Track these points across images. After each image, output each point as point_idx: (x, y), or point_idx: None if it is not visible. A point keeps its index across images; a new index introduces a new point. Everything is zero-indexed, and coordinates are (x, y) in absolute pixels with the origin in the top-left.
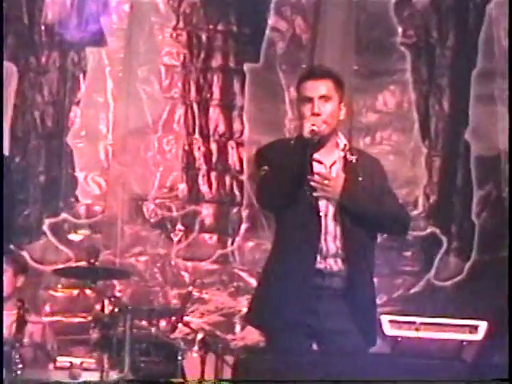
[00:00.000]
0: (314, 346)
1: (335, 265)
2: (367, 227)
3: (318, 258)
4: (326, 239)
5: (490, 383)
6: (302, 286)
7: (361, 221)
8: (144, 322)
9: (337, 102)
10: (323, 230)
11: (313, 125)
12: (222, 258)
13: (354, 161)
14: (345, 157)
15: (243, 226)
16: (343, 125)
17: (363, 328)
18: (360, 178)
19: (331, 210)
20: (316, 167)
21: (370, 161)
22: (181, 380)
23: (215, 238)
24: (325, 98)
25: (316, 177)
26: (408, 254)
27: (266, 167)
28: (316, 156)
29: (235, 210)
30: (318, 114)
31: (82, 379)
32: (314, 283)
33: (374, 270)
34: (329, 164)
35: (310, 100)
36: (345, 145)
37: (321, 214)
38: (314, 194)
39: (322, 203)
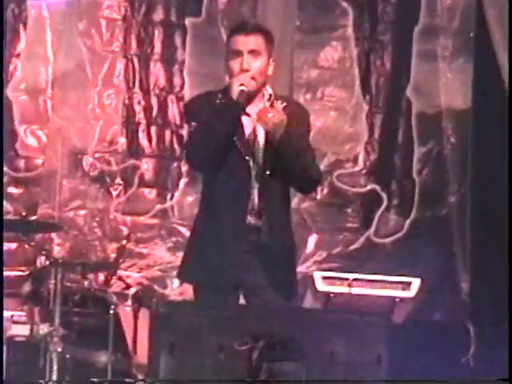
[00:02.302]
0: (242, 300)
1: (259, 219)
2: (281, 178)
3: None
4: (252, 194)
5: (490, 383)
6: (229, 242)
7: (278, 171)
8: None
9: (266, 57)
10: (252, 185)
11: (241, 85)
12: (161, 213)
13: (281, 108)
14: (271, 105)
15: (183, 181)
16: (284, 80)
17: (283, 282)
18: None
19: (257, 162)
20: (244, 121)
21: (299, 111)
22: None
23: (154, 192)
24: (254, 53)
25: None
26: (348, 210)
27: (194, 123)
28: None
29: (175, 164)
30: (247, 70)
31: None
32: (241, 238)
33: (314, 226)
34: None
35: (240, 54)
36: (270, 95)
37: (251, 166)
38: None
39: (251, 160)
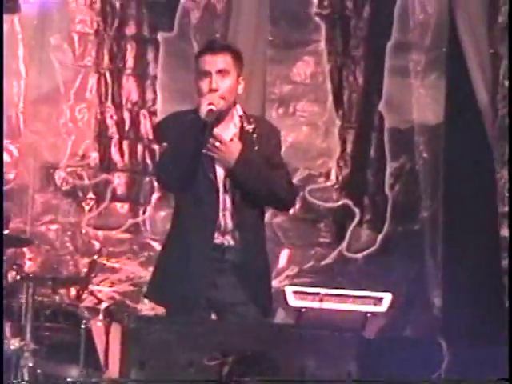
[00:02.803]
0: (213, 317)
1: (233, 240)
2: (254, 199)
3: (216, 233)
4: (224, 215)
5: (490, 383)
6: (199, 261)
7: (249, 192)
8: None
9: (235, 76)
10: (221, 205)
11: (210, 104)
12: (134, 228)
13: (250, 130)
14: (241, 127)
15: (155, 196)
16: (256, 95)
17: (258, 299)
18: (256, 148)
19: (228, 184)
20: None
21: (269, 130)
22: None
23: (127, 207)
24: (222, 72)
25: (211, 139)
26: (320, 225)
27: (164, 144)
28: (216, 130)
29: (147, 179)
30: (216, 90)
31: None
32: (212, 258)
33: (286, 241)
34: (228, 139)
35: (208, 74)
36: (240, 116)
37: (219, 187)
38: (208, 153)
39: (220, 179)
